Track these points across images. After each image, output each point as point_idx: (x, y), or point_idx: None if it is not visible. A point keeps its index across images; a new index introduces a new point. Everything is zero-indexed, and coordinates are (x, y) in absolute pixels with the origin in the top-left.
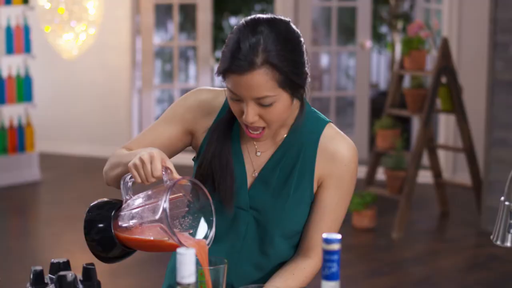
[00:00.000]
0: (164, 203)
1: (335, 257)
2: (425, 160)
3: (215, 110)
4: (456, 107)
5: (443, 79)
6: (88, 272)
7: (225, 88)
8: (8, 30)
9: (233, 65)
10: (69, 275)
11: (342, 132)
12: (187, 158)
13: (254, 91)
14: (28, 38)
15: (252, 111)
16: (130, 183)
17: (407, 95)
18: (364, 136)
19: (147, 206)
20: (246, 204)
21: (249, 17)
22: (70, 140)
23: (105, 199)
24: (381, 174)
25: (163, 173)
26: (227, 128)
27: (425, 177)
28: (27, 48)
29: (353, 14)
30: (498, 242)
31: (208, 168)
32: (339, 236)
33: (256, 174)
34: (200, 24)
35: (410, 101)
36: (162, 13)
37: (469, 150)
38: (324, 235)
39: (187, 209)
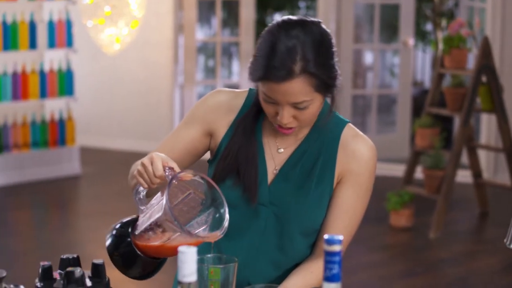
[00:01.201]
0: (165, 197)
1: (337, 258)
2: (466, 159)
3: (234, 110)
4: (497, 107)
5: (484, 78)
6: (97, 268)
7: (244, 90)
8: (50, 24)
9: (271, 74)
10: (77, 271)
11: (361, 132)
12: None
13: (291, 97)
14: (70, 32)
15: (287, 113)
16: (142, 193)
17: (446, 93)
18: (406, 134)
19: (154, 207)
20: (266, 199)
21: (280, 20)
22: (111, 134)
23: (135, 216)
24: (419, 173)
25: (166, 173)
26: (253, 123)
27: (465, 176)
28: (69, 42)
29: (396, 12)
30: None
31: (234, 160)
32: (340, 237)
33: (277, 170)
34: (243, 20)
35: (449, 99)
36: (206, 9)
37: (509, 150)
38: (326, 236)
39: (201, 207)
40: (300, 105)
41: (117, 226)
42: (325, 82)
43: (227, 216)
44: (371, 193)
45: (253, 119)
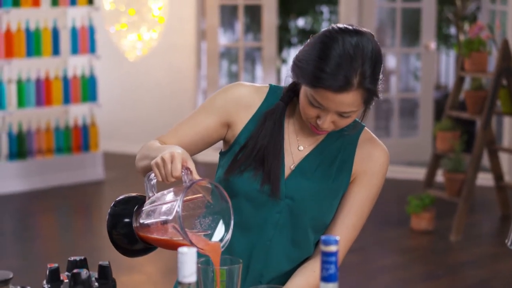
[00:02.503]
0: (178, 204)
1: (333, 258)
2: (487, 162)
3: (254, 104)
4: None
5: (504, 81)
6: (104, 270)
7: (265, 85)
8: (74, 31)
9: (329, 82)
10: (84, 272)
11: (376, 137)
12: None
13: (342, 107)
14: (93, 38)
15: (330, 120)
16: (154, 181)
17: (467, 97)
18: (428, 138)
19: (165, 205)
20: (282, 193)
21: (336, 26)
22: (134, 139)
23: (132, 194)
24: (440, 177)
25: (183, 173)
26: (281, 118)
27: (486, 179)
28: (92, 48)
29: (418, 15)
30: None
31: (262, 153)
32: (337, 238)
33: (294, 166)
34: (266, 25)
35: (470, 103)
36: (229, 14)
37: None
38: (323, 237)
39: (205, 209)
40: (346, 114)
41: (112, 205)
42: (373, 96)
43: (230, 232)
44: (377, 197)
45: (281, 114)
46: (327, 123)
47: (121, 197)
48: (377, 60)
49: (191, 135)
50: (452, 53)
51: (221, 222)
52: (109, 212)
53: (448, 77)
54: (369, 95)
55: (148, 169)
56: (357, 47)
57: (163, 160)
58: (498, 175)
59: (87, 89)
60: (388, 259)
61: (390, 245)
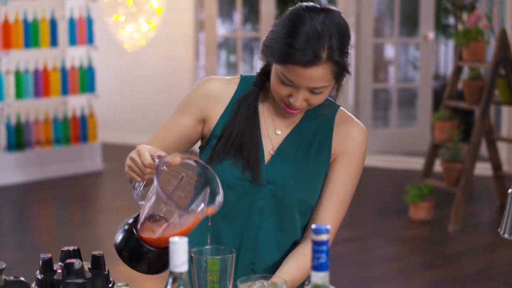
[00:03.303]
0: (155, 181)
1: (324, 247)
2: (485, 152)
3: (227, 96)
4: None
5: (502, 71)
6: (97, 260)
7: (236, 77)
8: (71, 22)
9: (298, 57)
10: (77, 262)
11: (352, 116)
12: None
13: (313, 82)
14: (91, 30)
15: (302, 97)
16: (139, 189)
17: (465, 86)
18: (427, 128)
19: (151, 197)
20: (264, 179)
21: (303, 4)
22: (132, 130)
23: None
24: (438, 166)
25: (155, 161)
26: (255, 102)
27: (484, 169)
28: (90, 39)
29: (416, 5)
30: (506, 235)
31: (239, 140)
32: (328, 227)
33: (274, 151)
34: (264, 16)
35: (468, 92)
36: (227, 5)
37: None
38: (313, 226)
39: (194, 189)
40: (317, 90)
41: (122, 225)
42: (342, 70)
43: (220, 190)
44: (360, 175)
45: (255, 100)
46: (300, 100)
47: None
48: (344, 34)
49: (171, 137)
50: (451, 43)
51: (211, 191)
52: (121, 231)
53: (447, 67)
54: (339, 69)
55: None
56: (324, 23)
57: (131, 159)
58: (496, 165)
59: (85, 80)
60: (386, 249)
61: (388, 235)
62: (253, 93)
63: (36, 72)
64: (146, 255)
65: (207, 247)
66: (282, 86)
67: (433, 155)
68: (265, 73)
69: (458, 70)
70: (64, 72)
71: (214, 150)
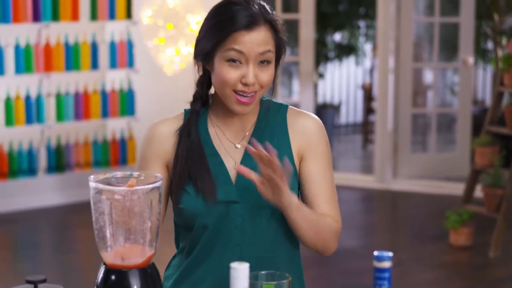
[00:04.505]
0: None
1: (386, 274)
2: None
3: (176, 133)
4: None
5: None
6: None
7: (180, 113)
8: (112, 45)
9: (240, 22)
10: None
11: (303, 110)
12: None
13: (261, 45)
14: (131, 53)
15: (253, 73)
16: None
17: (506, 112)
18: (466, 153)
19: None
20: (236, 196)
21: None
22: None
23: None
24: (479, 192)
25: None
26: (194, 127)
27: None
28: (130, 63)
29: (456, 30)
30: None
31: (185, 166)
32: (390, 254)
33: (238, 165)
34: (303, 40)
35: (509, 118)
36: None
37: None
38: (375, 253)
39: None
40: (265, 55)
41: None
42: (280, 44)
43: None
44: (331, 159)
45: (194, 124)
46: (252, 76)
47: None
48: (265, 5)
49: None
50: (489, 68)
51: None
52: None
53: (485, 92)
54: (277, 39)
55: None
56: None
57: None
58: None
59: (125, 103)
60: (426, 274)
61: (429, 260)
62: (190, 120)
63: (76, 94)
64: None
65: (263, 272)
66: (231, 69)
67: (473, 181)
68: (200, 97)
69: (499, 96)
70: (104, 95)
71: (174, 181)
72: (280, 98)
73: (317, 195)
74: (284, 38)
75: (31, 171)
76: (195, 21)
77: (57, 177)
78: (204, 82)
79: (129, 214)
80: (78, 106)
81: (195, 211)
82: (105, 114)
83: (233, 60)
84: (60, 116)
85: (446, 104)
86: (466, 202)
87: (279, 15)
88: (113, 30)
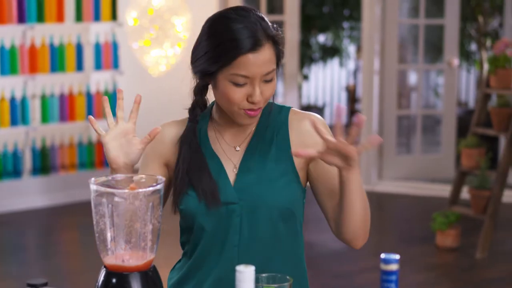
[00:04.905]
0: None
1: (393, 277)
2: (511, 179)
3: (177, 139)
4: None
5: None
6: None
7: (185, 118)
8: (97, 47)
9: (246, 45)
10: None
11: (305, 111)
12: None
13: (264, 66)
14: (116, 54)
15: (259, 90)
16: None
17: (492, 113)
18: (451, 155)
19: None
20: (234, 197)
21: (217, 13)
22: None
23: None
24: (465, 194)
25: None
26: (193, 137)
27: (509, 196)
28: (115, 64)
29: (441, 32)
30: None
31: (186, 174)
32: (397, 257)
33: (237, 168)
34: (288, 41)
35: (495, 120)
36: None
37: None
38: (383, 256)
39: None
40: (269, 76)
41: None
42: (280, 55)
43: None
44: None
45: (193, 133)
46: (258, 95)
47: None
48: (262, 17)
49: None
50: (473, 70)
51: None
52: None
53: (469, 94)
54: (277, 47)
55: None
56: (240, 13)
57: None
58: None
59: (110, 104)
60: (414, 276)
61: (416, 262)
62: (189, 130)
63: (61, 96)
64: None
65: (264, 274)
66: (237, 89)
67: (460, 182)
68: (199, 105)
69: (485, 97)
70: (89, 96)
71: (175, 189)
72: None
73: (337, 188)
74: (283, 48)
75: (16, 173)
76: (180, 23)
77: (42, 179)
78: (202, 90)
79: (131, 217)
80: (63, 107)
81: (194, 211)
82: (90, 115)
83: (238, 83)
84: (45, 118)
85: (429, 106)
86: (453, 204)
87: (277, 26)
88: (98, 31)
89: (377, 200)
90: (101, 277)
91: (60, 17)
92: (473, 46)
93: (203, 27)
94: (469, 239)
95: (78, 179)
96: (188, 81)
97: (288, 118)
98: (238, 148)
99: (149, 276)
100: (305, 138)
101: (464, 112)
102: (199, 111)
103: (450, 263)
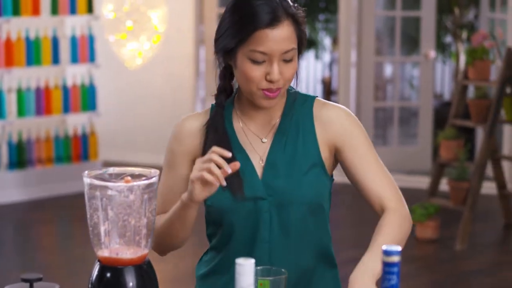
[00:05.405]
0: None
1: (395, 269)
2: (489, 171)
3: (203, 129)
4: None
5: (508, 90)
6: None
7: (207, 108)
8: (73, 40)
9: (263, 19)
10: None
11: (330, 102)
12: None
13: (284, 43)
14: (92, 47)
15: (278, 69)
16: None
17: (471, 105)
18: (428, 146)
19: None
20: (262, 192)
21: None
22: (133, 148)
23: None
24: (444, 185)
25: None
26: (220, 122)
27: (489, 188)
28: (92, 57)
29: (417, 24)
30: None
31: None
32: (399, 248)
33: (264, 161)
34: None
35: (474, 111)
36: None
37: None
38: (384, 247)
39: None
40: (288, 54)
41: None
42: (302, 37)
43: None
44: (368, 136)
45: (220, 118)
46: (277, 73)
47: None
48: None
49: (177, 194)
50: (448, 62)
51: None
52: None
53: (444, 86)
54: (298, 27)
55: (178, 231)
56: None
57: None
58: (501, 184)
59: (87, 98)
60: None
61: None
62: (216, 114)
63: (37, 90)
64: None
65: (258, 267)
66: (255, 67)
67: (439, 174)
68: (224, 90)
69: (463, 89)
70: (65, 90)
71: None
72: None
73: (367, 180)
74: (305, 29)
75: None
76: (157, 16)
77: (18, 173)
78: (226, 74)
79: (125, 210)
80: (39, 101)
81: (223, 208)
82: (66, 109)
83: (256, 60)
84: (21, 112)
85: (405, 98)
86: (432, 196)
87: (299, 7)
88: (74, 24)
89: (354, 193)
90: (95, 271)
91: (36, 11)
92: (448, 38)
93: (227, 5)
94: (449, 231)
95: (54, 173)
96: (161, 75)
97: (312, 109)
98: (264, 140)
99: (144, 270)
100: (328, 128)
101: (440, 104)
102: (225, 96)
103: (429, 254)
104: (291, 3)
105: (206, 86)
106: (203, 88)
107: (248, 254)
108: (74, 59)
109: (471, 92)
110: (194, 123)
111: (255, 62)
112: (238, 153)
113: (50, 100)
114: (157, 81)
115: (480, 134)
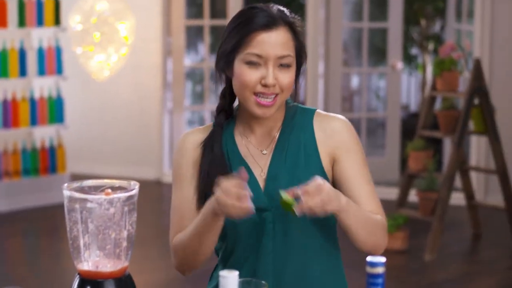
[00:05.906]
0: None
1: (380, 280)
2: (458, 181)
3: (201, 145)
4: (489, 128)
5: (476, 100)
6: None
7: (209, 124)
8: (40, 52)
9: (258, 22)
10: None
11: (330, 113)
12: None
13: (280, 47)
14: (60, 59)
15: (273, 74)
16: None
17: (439, 116)
18: (395, 157)
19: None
20: (265, 204)
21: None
22: (101, 161)
23: None
24: (413, 196)
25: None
26: (217, 141)
27: (457, 199)
28: (59, 70)
29: (384, 35)
30: None
31: (208, 184)
32: (383, 259)
33: (265, 172)
34: None
35: (442, 122)
36: (193, 35)
37: (502, 171)
38: (368, 259)
39: None
40: (285, 59)
41: None
42: (300, 49)
43: None
44: (364, 153)
45: (218, 138)
46: (271, 77)
47: None
48: (284, 9)
49: (192, 210)
50: (414, 73)
51: None
52: None
53: (410, 97)
54: (297, 43)
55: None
56: (262, 3)
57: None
58: (469, 194)
59: (54, 110)
60: (361, 280)
61: (364, 265)
62: (214, 133)
63: (4, 102)
64: None
65: (240, 279)
66: (250, 71)
67: (407, 185)
68: (223, 109)
69: (431, 100)
70: (32, 102)
71: (199, 193)
72: (208, 104)
73: (357, 193)
74: (304, 41)
75: None
76: (124, 27)
77: None
78: (227, 93)
79: (105, 223)
80: (6, 113)
81: (227, 219)
82: (33, 121)
83: (253, 63)
84: None
85: (371, 109)
86: (400, 207)
87: (299, 19)
88: (41, 36)
89: None
90: (75, 285)
91: (2, 22)
92: (415, 50)
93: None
94: (417, 242)
95: (22, 186)
96: (129, 87)
97: (313, 121)
98: (264, 152)
99: (124, 282)
100: (330, 139)
101: (406, 115)
102: (224, 116)
103: (399, 265)
104: (288, 13)
105: (174, 97)
106: (170, 99)
107: (252, 265)
108: (41, 71)
109: (438, 103)
110: (196, 136)
111: (251, 65)
112: (240, 165)
113: (17, 113)
114: (125, 92)
115: (448, 145)
